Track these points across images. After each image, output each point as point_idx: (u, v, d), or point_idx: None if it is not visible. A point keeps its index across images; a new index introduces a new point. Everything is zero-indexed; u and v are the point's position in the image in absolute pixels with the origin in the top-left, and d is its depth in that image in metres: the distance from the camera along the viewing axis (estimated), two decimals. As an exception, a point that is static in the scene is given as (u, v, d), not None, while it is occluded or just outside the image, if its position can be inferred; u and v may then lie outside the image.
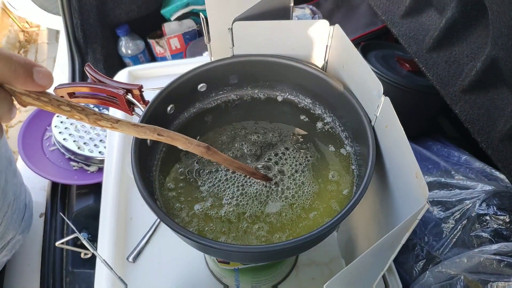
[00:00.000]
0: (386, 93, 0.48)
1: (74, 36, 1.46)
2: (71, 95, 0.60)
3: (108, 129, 0.40)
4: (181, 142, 0.47)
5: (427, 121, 1.13)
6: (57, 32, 2.09)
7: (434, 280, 0.71)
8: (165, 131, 0.45)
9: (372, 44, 1.16)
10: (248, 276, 0.67)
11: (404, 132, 0.44)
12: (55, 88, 0.59)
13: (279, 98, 0.66)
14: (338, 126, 0.62)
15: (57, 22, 1.83)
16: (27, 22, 2.69)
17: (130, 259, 0.76)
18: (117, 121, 0.40)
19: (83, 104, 0.39)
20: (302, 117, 0.65)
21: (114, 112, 0.95)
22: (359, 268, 0.43)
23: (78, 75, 1.48)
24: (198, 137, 0.63)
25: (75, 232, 0.55)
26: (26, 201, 0.94)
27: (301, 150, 0.61)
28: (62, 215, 0.60)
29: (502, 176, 0.84)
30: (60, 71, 1.55)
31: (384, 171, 0.51)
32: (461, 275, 0.67)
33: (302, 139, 0.63)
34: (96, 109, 0.55)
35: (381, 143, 0.51)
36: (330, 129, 0.63)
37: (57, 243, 0.55)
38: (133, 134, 0.43)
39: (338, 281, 0.41)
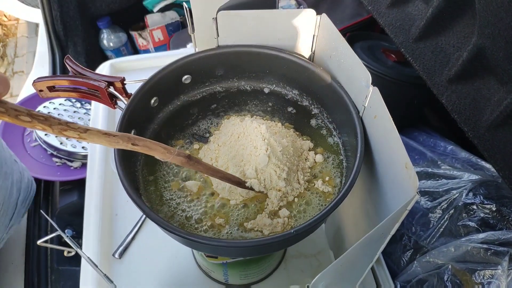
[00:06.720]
0: (372, 84, 0.48)
1: (54, 29, 1.42)
2: (51, 88, 0.58)
3: (76, 139, 0.36)
4: (159, 152, 0.43)
5: (413, 112, 1.13)
6: (37, 25, 2.03)
7: (421, 269, 0.71)
8: (141, 139, 0.42)
9: (358, 35, 1.15)
10: (237, 270, 0.66)
11: (393, 122, 0.44)
12: (34, 82, 0.57)
13: (266, 90, 0.65)
14: (326, 118, 0.61)
15: (36, 15, 1.78)
16: (5, 15, 2.62)
17: (116, 255, 0.74)
18: (86, 130, 0.36)
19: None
20: (290, 109, 0.64)
21: (97, 106, 0.93)
22: (350, 259, 0.43)
23: (58, 69, 1.44)
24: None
25: (58, 230, 0.53)
26: (18, 200, 0.90)
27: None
28: (43, 213, 0.58)
29: (488, 166, 0.84)
30: (40, 65, 1.51)
31: (373, 162, 0.50)
32: (449, 264, 0.67)
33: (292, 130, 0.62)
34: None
35: (369, 134, 0.51)
36: (318, 121, 0.62)
37: (39, 242, 0.53)
38: (104, 144, 0.39)
39: (328, 273, 0.40)
